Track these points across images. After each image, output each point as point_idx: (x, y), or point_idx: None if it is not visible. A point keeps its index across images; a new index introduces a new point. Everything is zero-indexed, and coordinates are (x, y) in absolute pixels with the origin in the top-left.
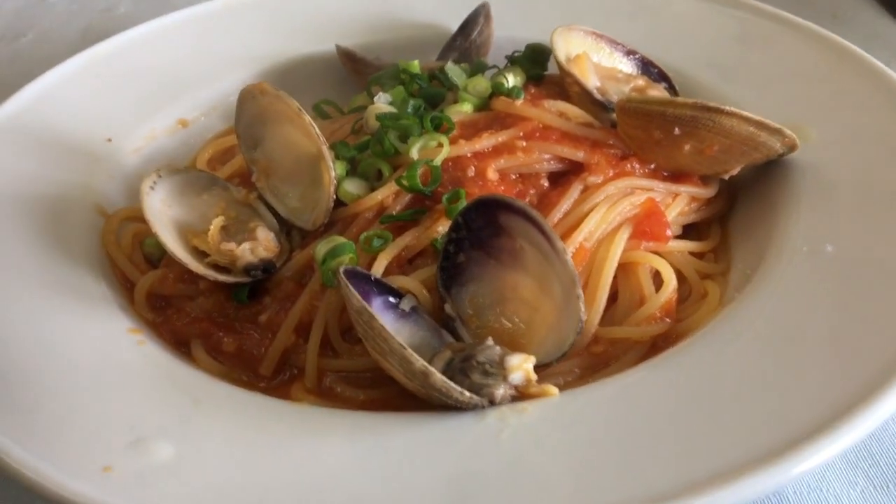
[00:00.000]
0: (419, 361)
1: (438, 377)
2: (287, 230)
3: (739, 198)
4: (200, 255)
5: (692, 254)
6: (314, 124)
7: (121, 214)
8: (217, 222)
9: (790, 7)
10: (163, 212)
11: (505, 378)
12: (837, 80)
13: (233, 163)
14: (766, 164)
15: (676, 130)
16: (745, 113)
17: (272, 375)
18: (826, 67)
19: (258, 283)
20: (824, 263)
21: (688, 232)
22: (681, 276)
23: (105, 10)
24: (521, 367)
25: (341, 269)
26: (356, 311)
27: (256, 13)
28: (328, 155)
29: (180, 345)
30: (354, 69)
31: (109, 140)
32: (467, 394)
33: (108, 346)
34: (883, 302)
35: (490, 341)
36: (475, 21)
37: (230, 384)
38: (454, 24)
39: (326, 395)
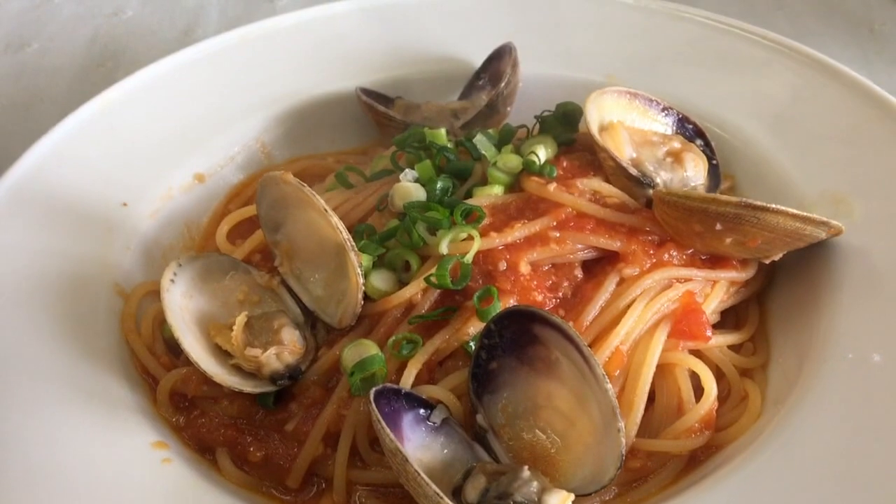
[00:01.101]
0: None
1: None
2: (312, 322)
3: (778, 274)
4: (224, 352)
5: (731, 346)
6: (341, 225)
7: (139, 292)
8: (240, 320)
9: (827, 20)
10: (184, 306)
11: None
12: (885, 144)
13: (253, 238)
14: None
15: (718, 226)
16: (792, 210)
17: (300, 488)
18: (876, 128)
19: (285, 387)
20: (869, 374)
21: (725, 314)
22: (719, 373)
23: (112, 14)
24: None
25: (371, 396)
26: (389, 452)
27: (271, 49)
28: (355, 260)
29: (205, 450)
30: (377, 121)
31: (125, 205)
32: None
33: (130, 464)
34: None
35: (526, 473)
36: (502, 68)
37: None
38: (476, 58)
39: None
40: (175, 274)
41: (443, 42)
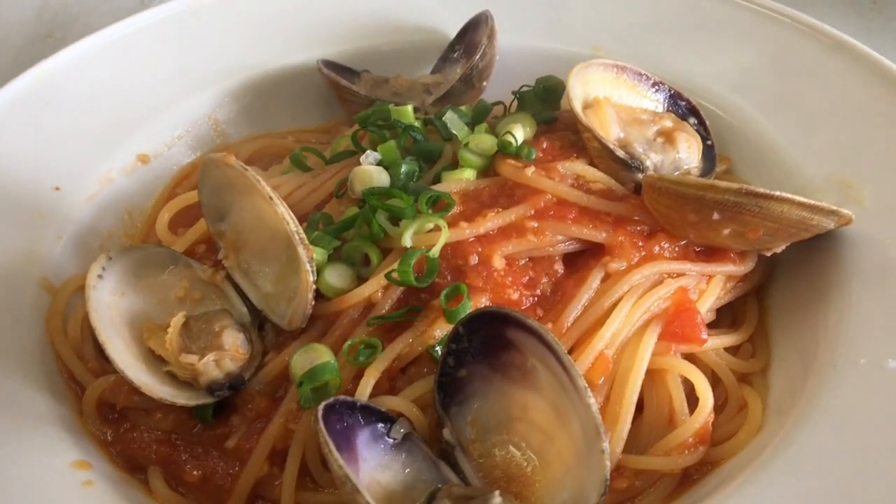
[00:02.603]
0: None
1: None
2: (260, 322)
3: (779, 266)
4: (158, 358)
5: (728, 348)
6: (289, 214)
7: (70, 287)
8: (177, 321)
9: None
10: (113, 305)
11: None
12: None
13: (196, 227)
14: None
15: (716, 216)
16: (798, 198)
17: None
18: (886, 105)
19: (227, 398)
20: (884, 382)
21: (721, 311)
22: (715, 378)
23: None
24: None
25: (320, 412)
26: (339, 479)
27: (226, 17)
28: (304, 255)
29: (136, 469)
30: (341, 97)
31: (58, 188)
32: None
33: (45, 488)
34: None
35: (497, 498)
36: (477, 39)
37: None
38: (451, 28)
39: None
40: (104, 268)
41: (415, 10)
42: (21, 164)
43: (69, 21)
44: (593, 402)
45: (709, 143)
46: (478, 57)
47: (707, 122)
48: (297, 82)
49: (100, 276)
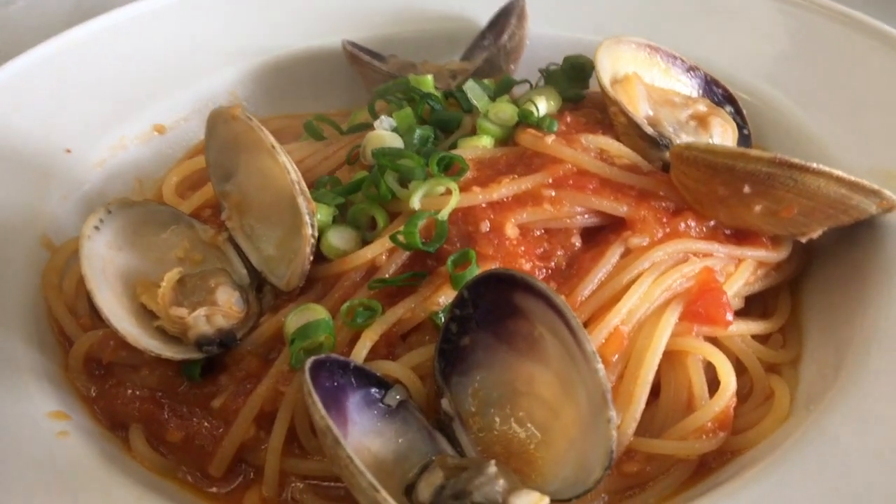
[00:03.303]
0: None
1: None
2: (259, 285)
3: (815, 259)
4: (149, 313)
5: (756, 337)
6: (292, 165)
7: (70, 247)
8: (171, 276)
9: None
10: (108, 258)
11: None
12: None
13: (204, 191)
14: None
15: (747, 189)
16: (837, 172)
17: (224, 477)
18: None
19: (217, 356)
20: None
21: (751, 301)
22: (740, 367)
23: None
24: None
25: (308, 363)
26: (320, 431)
27: None
28: (304, 207)
29: (118, 427)
30: (362, 73)
31: (69, 151)
32: None
33: (18, 436)
34: None
35: (492, 468)
36: (507, 20)
37: (160, 495)
38: (482, 18)
39: None
40: (102, 220)
41: None
42: (36, 124)
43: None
44: (601, 367)
45: (745, 132)
46: (505, 37)
47: (744, 112)
48: (322, 65)
49: (96, 228)
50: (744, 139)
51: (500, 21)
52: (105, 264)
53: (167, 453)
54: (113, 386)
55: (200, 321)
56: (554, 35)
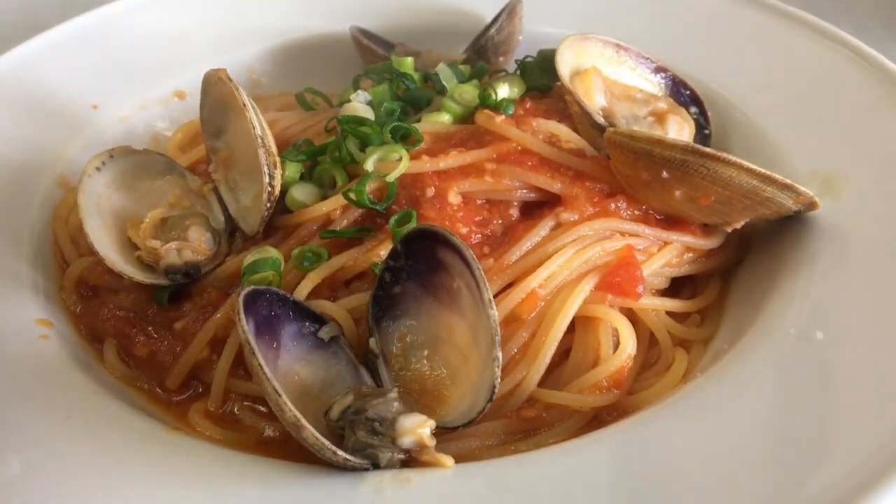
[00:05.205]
0: (291, 412)
1: (310, 432)
2: (232, 230)
3: (752, 251)
4: (133, 246)
5: (673, 314)
6: (260, 121)
7: None
8: (155, 214)
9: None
10: (105, 195)
11: (394, 441)
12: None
13: (201, 147)
14: (787, 218)
15: (664, 174)
16: (747, 163)
17: (178, 389)
18: (881, 103)
19: (184, 287)
20: (808, 352)
21: (681, 286)
22: (653, 339)
23: None
24: (414, 431)
25: (244, 290)
26: (242, 342)
27: None
28: (263, 159)
29: (96, 341)
30: (363, 56)
31: (95, 107)
32: (341, 454)
33: (4, 334)
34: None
35: (394, 393)
36: (499, 15)
37: (120, 399)
38: (490, 14)
39: (227, 422)
40: (104, 162)
41: None
42: (68, 82)
43: None
44: (494, 313)
45: (706, 132)
46: (494, 30)
47: (709, 113)
48: (334, 49)
49: (98, 169)
50: (703, 139)
51: (497, 17)
52: (101, 200)
53: (133, 366)
54: (95, 305)
55: (171, 253)
56: (556, 34)
